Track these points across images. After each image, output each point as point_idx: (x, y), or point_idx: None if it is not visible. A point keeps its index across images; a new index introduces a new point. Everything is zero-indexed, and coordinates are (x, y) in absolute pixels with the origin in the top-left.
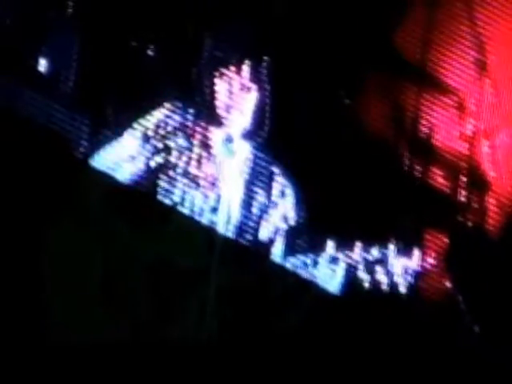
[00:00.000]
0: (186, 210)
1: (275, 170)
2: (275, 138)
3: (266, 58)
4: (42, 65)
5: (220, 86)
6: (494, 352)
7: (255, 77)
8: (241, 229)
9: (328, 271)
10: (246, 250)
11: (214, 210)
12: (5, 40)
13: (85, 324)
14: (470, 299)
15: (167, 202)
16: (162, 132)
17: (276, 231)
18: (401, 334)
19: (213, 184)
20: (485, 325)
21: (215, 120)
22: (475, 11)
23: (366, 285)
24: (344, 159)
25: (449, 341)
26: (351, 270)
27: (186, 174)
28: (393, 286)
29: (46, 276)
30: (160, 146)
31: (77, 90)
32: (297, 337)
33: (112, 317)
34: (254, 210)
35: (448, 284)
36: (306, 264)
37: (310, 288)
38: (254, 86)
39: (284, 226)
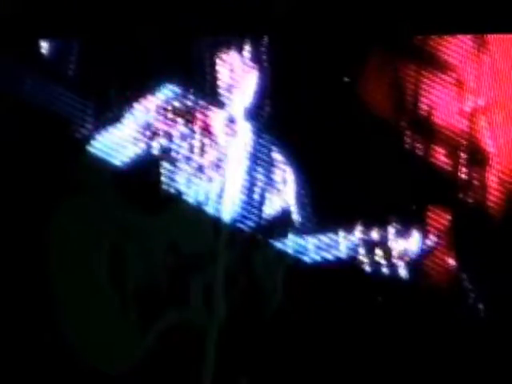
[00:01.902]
0: (190, 194)
1: (277, 151)
2: (277, 119)
3: (266, 37)
4: (46, 48)
5: (221, 68)
6: (497, 329)
7: (256, 57)
8: (244, 212)
9: (330, 253)
10: (251, 234)
11: (218, 193)
12: (8, 23)
13: (91, 311)
14: (473, 276)
15: (171, 185)
16: (164, 115)
17: (278, 213)
18: (403, 314)
19: (216, 167)
20: (489, 302)
21: (217, 102)
22: None
23: (368, 266)
24: (344, 138)
25: (452, 319)
26: (352, 252)
27: (189, 157)
28: (394, 265)
29: (50, 262)
30: (163, 128)
31: (80, 72)
32: (298, 320)
33: (119, 303)
34: (257, 192)
35: (450, 261)
36: (308, 246)
37: (311, 270)
38: (255, 67)
39: (286, 209)
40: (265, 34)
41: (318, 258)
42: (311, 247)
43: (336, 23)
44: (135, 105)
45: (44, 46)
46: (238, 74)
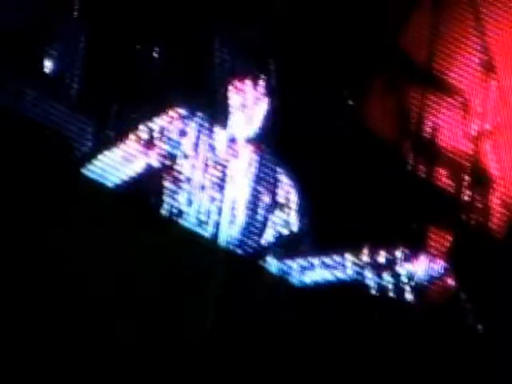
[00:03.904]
0: (190, 212)
1: (280, 171)
2: (281, 141)
3: (271, 60)
4: (48, 66)
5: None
6: (497, 350)
7: (261, 80)
8: (245, 230)
9: (332, 275)
10: (251, 253)
11: (219, 211)
12: (11, 41)
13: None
14: (474, 298)
15: (172, 203)
16: (166, 134)
17: (280, 234)
18: (405, 335)
19: (218, 186)
20: (488, 323)
21: (221, 123)
22: (480, 12)
23: (372, 289)
24: (349, 161)
25: (452, 339)
26: (357, 275)
27: (191, 175)
28: (399, 289)
29: (52, 277)
30: (164, 147)
31: (82, 91)
32: (302, 339)
33: (121, 317)
34: (259, 211)
35: (452, 283)
36: (310, 267)
37: (314, 291)
38: (260, 89)
39: (288, 229)
40: (270, 57)
41: (320, 280)
42: (313, 267)
43: (341, 45)
44: (138, 124)
45: (46, 64)
46: (243, 96)
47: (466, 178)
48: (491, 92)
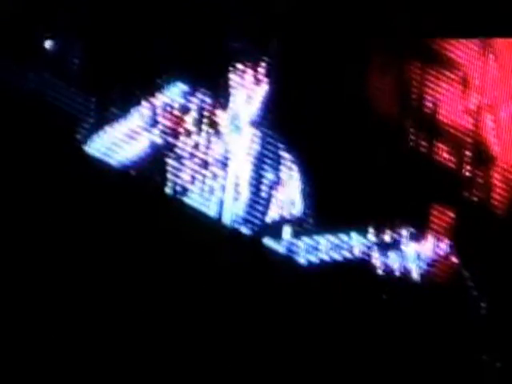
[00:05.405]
0: (194, 189)
1: (283, 149)
2: (283, 118)
3: (272, 39)
4: (49, 43)
5: (228, 66)
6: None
7: (263, 58)
8: (250, 208)
9: (338, 254)
10: (256, 231)
11: (223, 188)
12: (12, 19)
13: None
14: (477, 274)
15: (175, 180)
16: (169, 110)
17: (284, 213)
18: (411, 313)
19: (221, 163)
20: (492, 300)
21: (223, 99)
22: None
23: (378, 269)
24: (352, 138)
25: (457, 317)
26: (363, 254)
27: (193, 153)
28: (405, 268)
29: (53, 253)
30: (167, 124)
31: (83, 67)
32: (308, 319)
33: (124, 296)
34: (263, 188)
35: (454, 260)
36: (314, 247)
37: (319, 272)
38: (261, 68)
39: (292, 208)
40: (270, 35)
41: (326, 259)
42: (317, 247)
43: (340, 23)
44: (141, 101)
45: (48, 42)
46: (245, 74)
47: (467, 153)
48: (489, 66)
